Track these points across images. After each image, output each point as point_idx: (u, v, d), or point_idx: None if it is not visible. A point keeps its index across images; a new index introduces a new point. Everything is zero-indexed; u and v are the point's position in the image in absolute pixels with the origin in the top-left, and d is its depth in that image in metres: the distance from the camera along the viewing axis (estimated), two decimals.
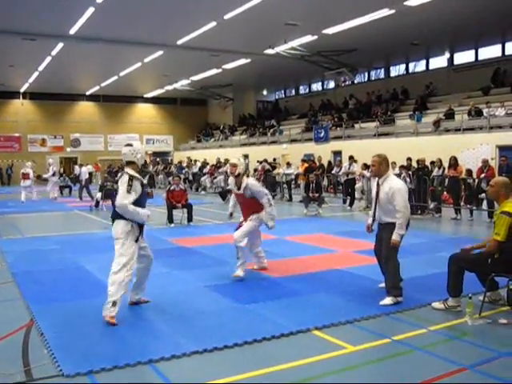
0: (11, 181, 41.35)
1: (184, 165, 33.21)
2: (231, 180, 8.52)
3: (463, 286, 6.23)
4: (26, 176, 23.82)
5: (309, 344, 5.28)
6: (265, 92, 45.24)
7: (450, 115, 24.35)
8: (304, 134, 32.98)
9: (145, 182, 6.38)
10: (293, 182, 24.31)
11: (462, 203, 16.55)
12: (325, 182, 24.40)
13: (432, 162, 18.05)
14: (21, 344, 5.33)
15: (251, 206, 8.18)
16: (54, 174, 25.13)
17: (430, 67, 31.96)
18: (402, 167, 17.34)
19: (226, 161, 25.91)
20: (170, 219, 14.80)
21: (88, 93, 43.44)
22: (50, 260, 9.81)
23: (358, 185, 20.17)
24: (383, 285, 7.03)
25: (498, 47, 27.68)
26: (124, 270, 6.00)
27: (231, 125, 44.31)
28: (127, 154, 6.20)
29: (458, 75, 28.96)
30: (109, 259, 9.52)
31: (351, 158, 20.96)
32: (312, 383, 4.43)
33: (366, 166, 18.73)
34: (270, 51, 27.35)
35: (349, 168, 20.54)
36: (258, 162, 28.11)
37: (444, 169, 17.10)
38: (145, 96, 45.81)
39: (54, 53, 28.18)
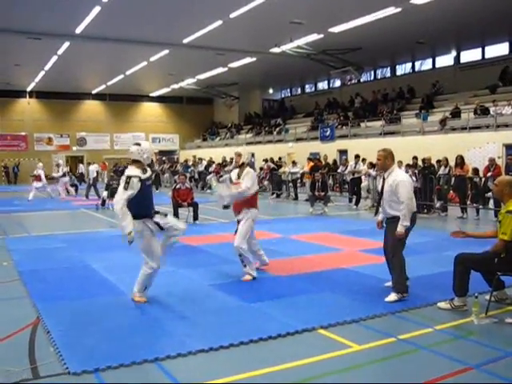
0: (17, 179, 41.55)
1: (190, 163, 33.24)
2: (234, 172, 8.48)
3: (469, 286, 6.21)
4: (38, 178, 24.02)
5: (314, 343, 5.28)
6: (271, 91, 45.18)
7: (456, 114, 24.28)
8: (310, 133, 32.92)
9: (145, 176, 6.49)
10: (298, 181, 24.29)
11: (468, 202, 16.50)
12: (330, 181, 24.37)
13: (438, 161, 18.01)
14: (27, 342, 5.35)
15: (248, 199, 8.08)
16: (64, 175, 25.27)
17: (437, 66, 31.82)
18: (408, 166, 17.31)
19: (232, 160, 25.91)
20: (176, 217, 14.81)
21: (94, 92, 43.51)
22: (57, 258, 9.84)
23: (364, 183, 20.15)
24: (389, 284, 7.04)
25: (505, 45, 27.51)
26: (144, 263, 6.54)
27: (237, 123, 44.31)
28: (134, 153, 6.53)
29: (464, 74, 28.83)
30: (115, 258, 9.63)
31: (357, 156, 20.94)
32: (317, 382, 4.43)
33: (371, 165, 18.71)
34: (275, 50, 27.33)
35: (355, 167, 20.51)
36: (263, 160, 28.13)
37: (450, 167, 17.06)
38: (151, 95, 45.86)
39: (60, 52, 28.22)
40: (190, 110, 48.14)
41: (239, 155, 8.16)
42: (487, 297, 6.23)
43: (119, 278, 7.95)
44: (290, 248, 10.68)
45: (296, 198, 22.87)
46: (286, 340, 5.36)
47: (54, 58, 29.87)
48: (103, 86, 40.95)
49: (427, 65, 32.67)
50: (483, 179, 16.07)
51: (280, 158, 29.09)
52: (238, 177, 8.15)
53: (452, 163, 16.92)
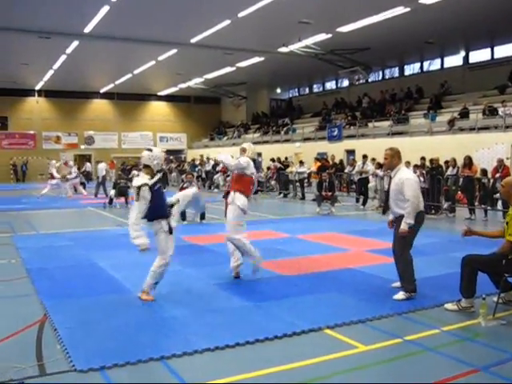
0: (26, 178, 41.74)
1: (197, 163, 33.27)
2: None
3: (477, 287, 6.18)
4: (52, 176, 24.92)
5: (321, 343, 5.28)
6: (278, 90, 45.18)
7: (464, 114, 24.18)
8: (317, 133, 32.91)
9: (153, 181, 6.56)
10: (306, 181, 24.27)
11: (476, 203, 16.43)
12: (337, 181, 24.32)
13: (446, 162, 17.94)
14: (34, 339, 5.37)
15: (238, 181, 7.92)
16: (76, 176, 25.47)
17: (445, 66, 31.70)
18: (415, 166, 17.25)
19: None
20: (183, 217, 14.84)
21: (102, 91, 43.70)
22: (64, 256, 9.88)
23: (372, 184, 20.11)
24: (396, 284, 7.03)
25: None
26: (158, 260, 6.71)
27: (244, 123, 44.32)
28: (145, 158, 6.67)
29: (473, 74, 28.72)
30: (121, 256, 9.65)
31: (365, 156, 20.88)
32: (323, 382, 4.42)
33: (379, 165, 18.67)
34: (283, 49, 27.35)
35: (362, 167, 20.47)
36: (270, 160, 28.11)
37: (458, 168, 16.99)
38: (158, 94, 45.99)
39: (68, 51, 28.34)
40: (197, 110, 48.22)
41: (243, 150, 8.18)
42: (495, 298, 6.20)
43: (126, 276, 7.97)
44: (296, 248, 10.67)
45: (303, 198, 22.85)
46: (292, 340, 5.36)
47: (63, 57, 30.01)
48: (111, 85, 41.10)
49: (436, 65, 32.57)
50: (491, 180, 15.99)
51: (286, 158, 29.06)
52: None
53: (460, 164, 16.86)
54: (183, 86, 40.27)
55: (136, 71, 34.68)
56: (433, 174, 16.87)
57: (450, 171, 17.28)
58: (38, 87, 41.64)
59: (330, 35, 24.53)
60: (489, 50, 28.77)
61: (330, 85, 41.02)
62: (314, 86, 43.02)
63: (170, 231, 6.70)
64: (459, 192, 17.05)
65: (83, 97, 44.27)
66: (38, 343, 5.27)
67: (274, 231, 12.95)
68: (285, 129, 36.88)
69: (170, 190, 18.67)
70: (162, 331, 5.61)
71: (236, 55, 29.39)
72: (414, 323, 5.89)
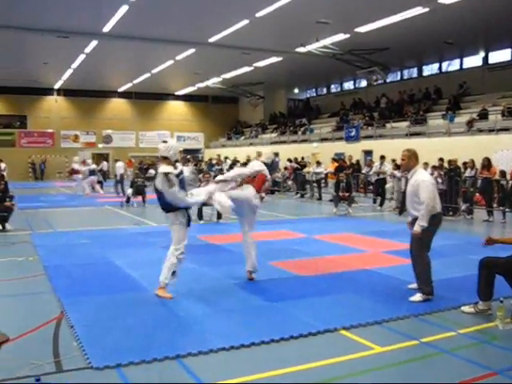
0: (44, 176, 42.13)
1: (214, 162, 33.29)
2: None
3: (494, 290, 6.12)
4: (76, 171, 25.98)
5: (336, 344, 5.26)
6: (296, 90, 45.10)
7: (483, 115, 23.95)
8: (335, 133, 32.79)
9: (177, 171, 6.79)
10: (323, 181, 24.21)
11: (494, 205, 16.27)
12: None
13: (464, 163, 17.79)
14: (51, 336, 5.42)
15: (252, 179, 7.83)
16: (92, 173, 25.62)
17: (464, 66, 31.40)
18: (433, 167, 17.14)
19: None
20: (200, 216, 14.89)
21: (120, 90, 43.97)
22: (81, 254, 9.96)
23: (389, 185, 20.01)
24: (412, 286, 6.98)
25: None
26: (173, 250, 6.78)
27: (262, 123, 44.32)
28: (161, 149, 6.81)
29: (492, 74, 28.44)
30: (138, 254, 9.71)
31: (383, 157, 20.77)
32: (339, 383, 4.41)
33: (397, 166, 18.57)
34: (301, 49, 27.27)
35: (380, 167, 20.37)
36: (287, 160, 28.07)
37: (476, 170, 16.84)
38: (176, 93, 46.15)
39: (87, 50, 28.54)
40: (215, 109, 48.30)
41: (259, 155, 8.28)
42: None
43: (142, 275, 8.01)
44: (313, 248, 10.65)
45: (320, 199, 22.79)
46: (307, 340, 5.35)
47: (82, 57, 30.23)
48: (129, 85, 41.32)
49: (455, 65, 32.26)
50: (510, 182, 15.83)
51: (303, 158, 28.99)
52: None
53: (478, 165, 16.70)
54: (201, 85, 40.33)
55: (154, 71, 34.84)
56: (451, 175, 16.74)
57: (468, 173, 17.14)
58: (56, 86, 41.98)
59: (348, 35, 24.43)
60: (509, 50, 28.44)
61: (348, 85, 40.87)
62: (332, 86, 42.89)
63: (188, 223, 6.85)
64: (477, 194, 16.90)
65: (101, 96, 44.58)
66: (54, 340, 5.31)
67: (290, 231, 12.94)
68: (302, 129, 36.81)
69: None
70: (178, 330, 5.63)
71: (254, 55, 29.39)
72: (431, 325, 5.85)
